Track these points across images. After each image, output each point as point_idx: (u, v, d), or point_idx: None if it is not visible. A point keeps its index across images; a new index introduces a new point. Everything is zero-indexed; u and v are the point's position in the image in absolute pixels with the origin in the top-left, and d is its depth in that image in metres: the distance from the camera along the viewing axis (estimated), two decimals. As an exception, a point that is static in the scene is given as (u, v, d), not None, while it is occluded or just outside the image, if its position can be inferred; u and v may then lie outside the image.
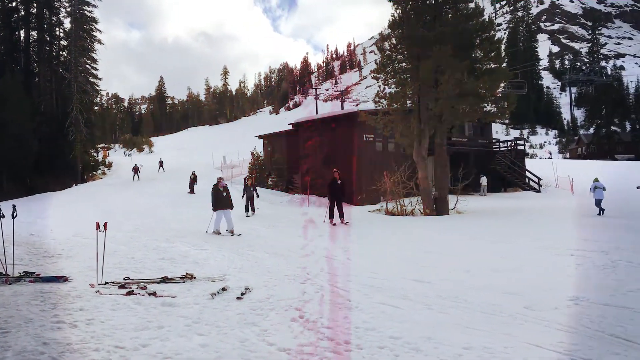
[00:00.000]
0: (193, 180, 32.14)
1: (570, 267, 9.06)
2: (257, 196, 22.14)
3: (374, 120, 22.54)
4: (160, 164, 48.63)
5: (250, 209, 21.54)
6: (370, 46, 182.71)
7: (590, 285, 7.47)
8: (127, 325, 5.38)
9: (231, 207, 15.25)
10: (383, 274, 8.56)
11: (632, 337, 5.03)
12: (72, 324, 5.36)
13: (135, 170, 41.37)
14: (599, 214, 19.59)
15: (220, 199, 15.11)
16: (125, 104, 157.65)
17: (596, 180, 21.06)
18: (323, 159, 29.54)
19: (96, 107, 49.91)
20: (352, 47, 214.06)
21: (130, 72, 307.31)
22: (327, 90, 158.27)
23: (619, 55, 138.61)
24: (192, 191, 31.61)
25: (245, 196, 21.76)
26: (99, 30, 45.35)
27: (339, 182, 17.93)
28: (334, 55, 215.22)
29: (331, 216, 17.78)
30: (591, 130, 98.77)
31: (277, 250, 11.69)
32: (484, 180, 31.01)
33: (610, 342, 4.92)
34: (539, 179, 36.09)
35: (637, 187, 20.26)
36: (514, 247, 11.85)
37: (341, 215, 17.53)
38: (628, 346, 4.78)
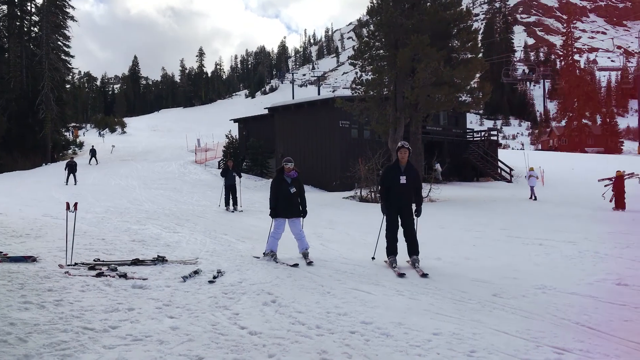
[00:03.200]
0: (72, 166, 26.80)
1: (539, 256, 9.24)
2: (240, 182, 18.22)
3: (350, 107, 22.57)
4: (93, 153, 38.87)
5: (232, 201, 17.58)
6: (349, 32, 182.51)
7: (558, 275, 7.63)
8: (97, 307, 5.32)
9: (301, 213, 8.90)
10: (356, 260, 8.62)
11: (597, 325, 5.16)
12: (40, 304, 5.28)
13: (93, 153, 38.48)
14: (532, 199, 23.18)
15: (286, 198, 8.71)
16: (98, 83, 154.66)
17: (531, 169, 25.07)
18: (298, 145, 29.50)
19: (68, 86, 48.72)
20: (330, 33, 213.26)
21: (95, 48, 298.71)
22: (304, 75, 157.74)
23: (592, 50, 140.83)
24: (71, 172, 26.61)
25: (225, 184, 17.71)
26: (72, 7, 44.36)
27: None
28: (311, 40, 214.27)
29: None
30: (563, 123, 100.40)
31: (250, 235, 11.67)
32: (438, 167, 31.55)
33: (576, 330, 5.05)
34: (511, 169, 36.63)
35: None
36: (484, 235, 12.02)
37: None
38: (592, 334, 4.91)
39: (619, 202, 18.83)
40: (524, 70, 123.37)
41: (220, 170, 18.34)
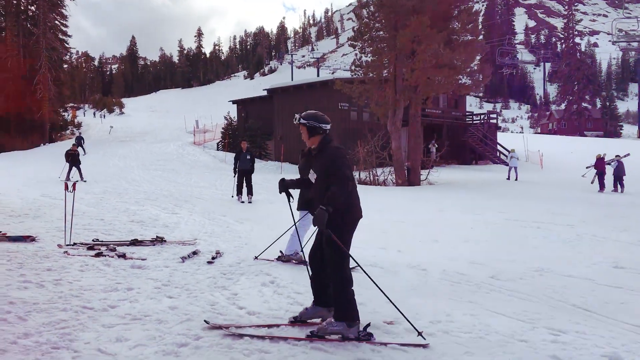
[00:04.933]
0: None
1: (537, 239, 9.28)
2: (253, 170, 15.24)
3: (349, 89, 22.46)
4: (79, 141, 31.51)
5: (247, 190, 14.98)
6: (348, 13, 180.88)
7: (555, 257, 7.66)
8: (96, 287, 5.34)
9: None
10: (353, 242, 8.63)
11: (593, 307, 5.20)
12: (39, 284, 5.30)
13: (79, 141, 31.55)
14: (510, 179, 25.13)
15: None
16: (96, 63, 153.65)
17: (512, 150, 27.80)
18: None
19: (65, 66, 48.34)
20: (329, 14, 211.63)
21: (88, 25, 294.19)
22: (304, 56, 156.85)
23: (593, 32, 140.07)
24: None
25: (238, 169, 14.93)
26: (70, -15, 43.85)
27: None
28: (310, 21, 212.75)
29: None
30: (563, 106, 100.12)
31: (249, 217, 11.68)
32: (433, 149, 31.65)
33: (572, 312, 5.08)
34: (510, 152, 36.60)
35: (587, 168, 22.23)
36: (482, 218, 12.06)
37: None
38: (588, 316, 4.94)
39: (600, 182, 20.58)
40: (515, 53, 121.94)
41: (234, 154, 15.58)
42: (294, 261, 6.97)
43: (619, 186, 20.04)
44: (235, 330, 4.15)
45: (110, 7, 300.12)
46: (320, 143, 4.26)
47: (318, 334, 4.07)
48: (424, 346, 3.90)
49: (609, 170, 20.60)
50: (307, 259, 6.57)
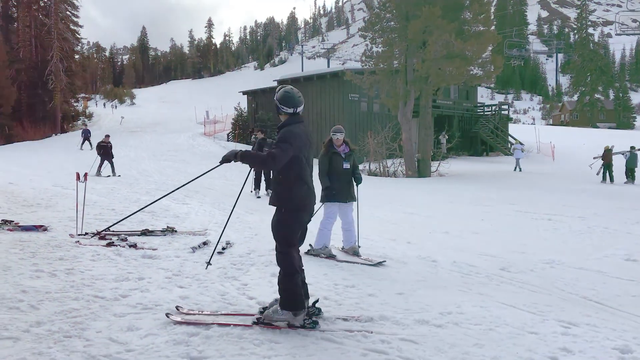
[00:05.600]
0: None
1: (547, 231, 9.23)
2: None
3: (360, 80, 22.38)
4: (86, 135, 30.02)
5: (265, 184, 14.27)
6: (359, 3, 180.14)
7: (566, 249, 7.62)
8: (107, 276, 5.38)
9: (354, 196, 7.09)
10: (364, 234, 8.61)
11: (604, 300, 5.17)
12: (52, 273, 5.34)
13: (86, 135, 30.02)
14: (517, 170, 25.30)
15: (339, 176, 6.94)
16: (107, 53, 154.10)
17: (517, 142, 28.44)
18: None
19: (77, 56, 48.53)
20: (340, 4, 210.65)
21: (97, 14, 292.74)
22: (314, 47, 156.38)
23: (607, 23, 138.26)
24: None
25: None
26: (80, -24, 43.95)
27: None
28: (321, 12, 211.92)
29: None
30: (575, 98, 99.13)
31: (259, 207, 11.71)
32: (443, 139, 31.47)
33: (583, 304, 5.06)
34: (522, 144, 36.35)
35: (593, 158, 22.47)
36: (493, 210, 12.01)
37: None
38: (599, 308, 4.92)
39: (606, 173, 20.79)
40: (524, 45, 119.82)
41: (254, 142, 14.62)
42: (322, 255, 6.79)
43: (630, 177, 20.13)
44: (185, 317, 4.16)
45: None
46: (281, 123, 4.23)
47: (264, 320, 4.09)
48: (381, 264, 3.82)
49: (621, 161, 20.70)
50: (334, 254, 6.71)
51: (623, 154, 20.53)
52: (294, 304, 4.08)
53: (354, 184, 7.01)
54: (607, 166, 20.54)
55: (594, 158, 22.44)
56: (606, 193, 16.20)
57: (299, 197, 4.17)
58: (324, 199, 6.91)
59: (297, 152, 4.09)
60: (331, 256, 6.72)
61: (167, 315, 4.13)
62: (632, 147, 20.66)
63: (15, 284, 4.87)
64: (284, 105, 4.23)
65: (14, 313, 4.09)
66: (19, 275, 5.18)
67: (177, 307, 4.45)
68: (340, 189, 6.85)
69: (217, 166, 4.40)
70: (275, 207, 4.21)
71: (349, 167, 6.95)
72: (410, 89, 21.49)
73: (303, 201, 4.21)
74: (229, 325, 4.04)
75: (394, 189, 17.03)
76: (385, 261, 6.45)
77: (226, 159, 4.07)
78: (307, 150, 4.28)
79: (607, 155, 20.69)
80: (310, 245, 6.91)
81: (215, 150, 31.44)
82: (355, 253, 6.90)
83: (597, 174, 21.01)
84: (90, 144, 28.83)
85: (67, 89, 42.06)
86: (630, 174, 20.12)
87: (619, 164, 21.00)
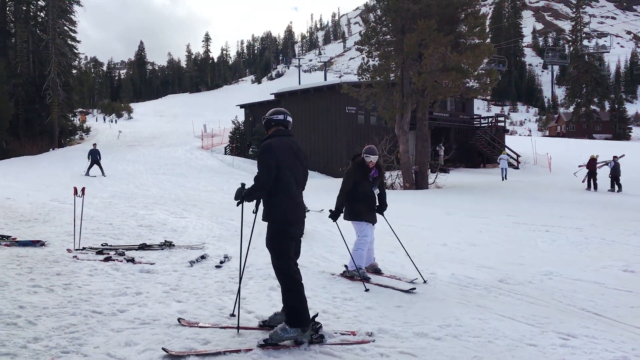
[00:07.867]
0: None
1: (545, 242, 9.23)
2: None
3: (356, 93, 22.46)
4: (95, 159, 23.44)
5: None
6: (355, 17, 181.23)
7: (564, 261, 7.62)
8: (105, 291, 5.37)
9: (376, 219, 6.91)
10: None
11: (602, 311, 5.17)
12: (49, 288, 5.33)
13: (94, 157, 23.47)
14: (503, 179, 26.56)
15: (367, 198, 6.71)
16: (104, 68, 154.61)
17: (503, 153, 29.56)
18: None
19: (74, 71, 48.56)
20: (336, 18, 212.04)
21: (93, 30, 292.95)
22: (311, 60, 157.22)
23: (601, 35, 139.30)
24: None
25: None
26: (77, -8, 44.13)
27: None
28: (318, 26, 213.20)
29: None
30: (571, 109, 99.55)
31: (257, 220, 11.67)
32: (441, 151, 31.59)
33: (582, 315, 5.05)
34: (518, 155, 36.46)
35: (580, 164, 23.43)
36: (490, 222, 12.01)
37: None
38: (597, 320, 4.92)
39: (590, 181, 21.68)
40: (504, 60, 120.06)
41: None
42: (357, 277, 6.33)
43: (615, 186, 20.84)
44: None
45: (114, 10, 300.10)
46: (264, 137, 4.33)
47: (271, 342, 3.96)
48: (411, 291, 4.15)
49: (606, 171, 21.82)
50: (368, 276, 6.41)
51: (607, 164, 21.34)
52: (300, 320, 4.03)
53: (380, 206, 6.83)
54: (591, 174, 21.49)
55: (579, 166, 23.62)
56: (603, 204, 16.22)
57: (284, 212, 4.20)
58: (350, 217, 6.64)
59: (280, 164, 4.12)
60: (366, 278, 6.27)
61: (163, 349, 3.77)
62: (615, 157, 21.40)
63: (12, 299, 4.85)
64: (272, 115, 4.34)
65: (12, 329, 4.08)
66: (17, 290, 5.17)
67: (179, 320, 4.45)
68: (365, 211, 6.59)
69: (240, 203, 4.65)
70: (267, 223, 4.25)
71: (377, 191, 6.75)
72: (407, 101, 21.57)
73: (289, 216, 4.23)
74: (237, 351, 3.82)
75: (392, 201, 16.95)
76: (415, 288, 6.00)
77: (236, 193, 4.46)
78: (292, 161, 4.25)
79: (591, 164, 21.60)
80: (345, 266, 6.73)
81: (213, 163, 31.45)
82: (376, 270, 6.79)
83: (583, 181, 22.05)
84: (101, 169, 23.45)
85: (64, 103, 42.07)
86: (616, 183, 20.82)
87: (604, 173, 22.20)
